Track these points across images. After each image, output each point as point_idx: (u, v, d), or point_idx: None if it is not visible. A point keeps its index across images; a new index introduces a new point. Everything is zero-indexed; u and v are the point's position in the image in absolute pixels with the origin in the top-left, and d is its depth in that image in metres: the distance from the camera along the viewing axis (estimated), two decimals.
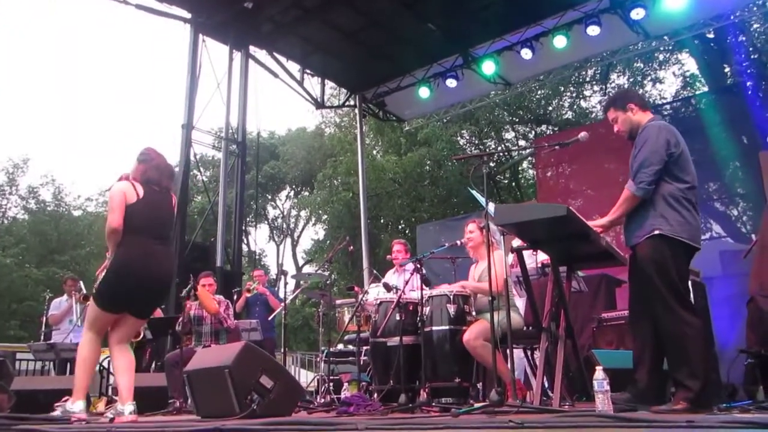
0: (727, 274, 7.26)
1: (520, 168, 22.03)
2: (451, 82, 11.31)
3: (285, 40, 11.16)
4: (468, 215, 13.29)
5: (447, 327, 4.27)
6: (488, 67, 10.95)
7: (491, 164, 21.93)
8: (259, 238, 27.33)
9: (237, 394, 3.40)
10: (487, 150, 20.87)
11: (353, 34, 10.64)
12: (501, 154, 19.59)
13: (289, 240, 28.75)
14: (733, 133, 11.74)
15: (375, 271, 5.20)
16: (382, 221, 20.96)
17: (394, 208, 20.88)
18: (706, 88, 17.72)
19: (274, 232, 28.26)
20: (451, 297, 4.32)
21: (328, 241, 21.62)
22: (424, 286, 4.42)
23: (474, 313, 4.37)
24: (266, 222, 26.73)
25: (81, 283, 8.00)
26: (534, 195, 19.87)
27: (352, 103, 13.23)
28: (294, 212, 28.81)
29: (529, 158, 21.65)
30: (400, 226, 22.00)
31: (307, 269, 28.77)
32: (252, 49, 11.19)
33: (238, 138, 10.70)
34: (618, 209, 3.41)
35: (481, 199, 3.82)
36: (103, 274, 3.94)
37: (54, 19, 54.16)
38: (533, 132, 21.31)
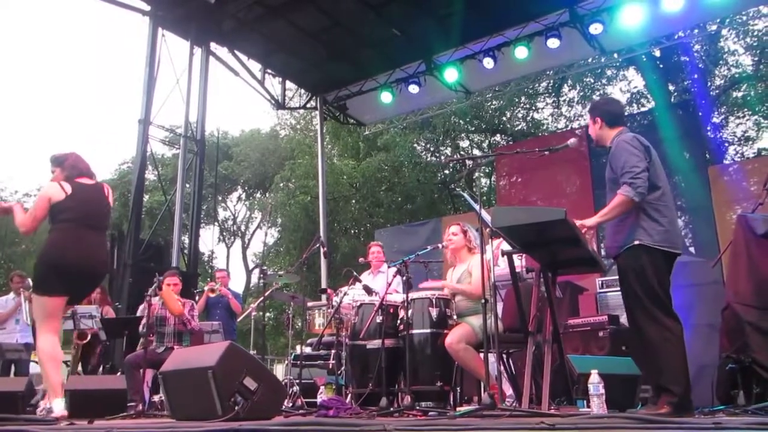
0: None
1: (473, 177, 22.32)
2: (413, 88, 11.34)
3: (247, 38, 10.95)
4: (425, 221, 13.39)
5: (428, 330, 4.24)
6: (451, 75, 11.02)
7: (445, 171, 22.34)
8: (208, 239, 26.69)
9: (220, 396, 3.27)
10: (456, 155, 21.16)
11: (316, 35, 10.53)
12: (481, 159, 19.71)
13: (239, 242, 28.28)
14: (678, 149, 12.25)
15: (355, 273, 5.12)
16: (337, 226, 20.86)
17: (351, 212, 20.82)
18: (651, 105, 18.42)
19: (224, 233, 27.70)
20: (433, 300, 4.30)
21: (283, 245, 21.36)
22: (400, 290, 4.39)
23: (455, 317, 4.36)
24: (216, 223, 26.17)
25: (29, 280, 7.60)
26: (487, 203, 20.20)
27: (312, 104, 13.10)
28: (247, 214, 28.38)
29: (483, 167, 22.04)
30: (353, 231, 21.95)
31: (256, 272, 28.37)
32: (213, 46, 10.96)
33: (197, 136, 10.44)
34: (610, 212, 3.47)
35: (473, 202, 3.82)
36: (35, 262, 4.13)
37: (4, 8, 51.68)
38: (488, 141, 21.63)
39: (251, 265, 27.23)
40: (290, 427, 1.86)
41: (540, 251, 3.61)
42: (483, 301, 3.60)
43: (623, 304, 3.56)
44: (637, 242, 3.39)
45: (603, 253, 6.03)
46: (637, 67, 18.59)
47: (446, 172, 21.99)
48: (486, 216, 3.69)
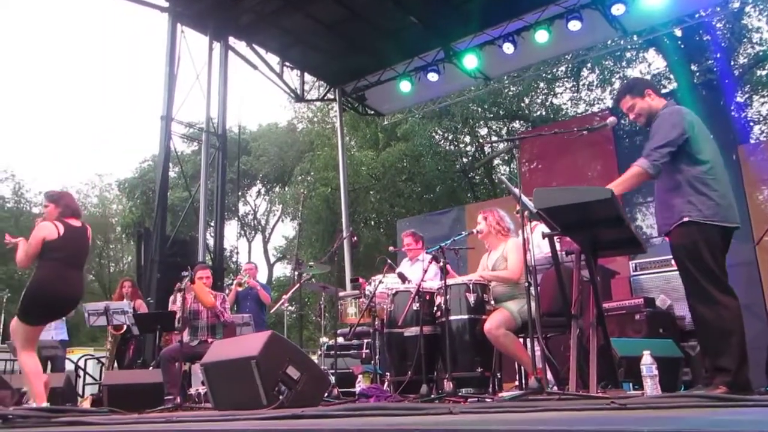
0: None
1: (492, 164, 22.20)
2: (432, 76, 11.26)
3: (265, 31, 10.96)
4: (448, 210, 13.32)
5: (466, 316, 4.21)
6: (470, 61, 10.90)
7: (464, 160, 22.22)
8: (229, 234, 26.90)
9: (264, 386, 3.27)
10: (469, 143, 21.04)
11: (334, 26, 10.49)
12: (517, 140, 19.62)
13: (260, 237, 28.44)
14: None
15: (389, 261, 5.09)
16: (358, 217, 20.85)
17: (371, 203, 20.78)
18: (673, 86, 18.14)
19: (245, 228, 27.86)
20: (470, 286, 4.26)
21: (304, 237, 21.43)
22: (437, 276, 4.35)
23: (493, 302, 4.32)
24: (237, 218, 26.32)
25: None
26: (507, 191, 20.04)
27: (331, 96, 13.07)
28: (266, 207, 28.54)
29: (503, 155, 21.87)
30: (372, 222, 21.93)
31: (279, 265, 28.57)
32: (231, 40, 10.97)
33: (218, 131, 10.47)
34: (622, 183, 3.40)
35: (512, 187, 3.76)
36: (23, 294, 4.58)
37: (20, 7, 52.21)
38: (506, 128, 21.47)
39: (272, 259, 27.48)
40: (355, 411, 1.84)
41: (581, 233, 3.54)
42: (526, 284, 3.55)
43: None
44: (686, 218, 3.30)
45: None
46: (658, 48, 18.28)
47: (465, 160, 21.88)
48: (525, 200, 3.63)
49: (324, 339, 7.68)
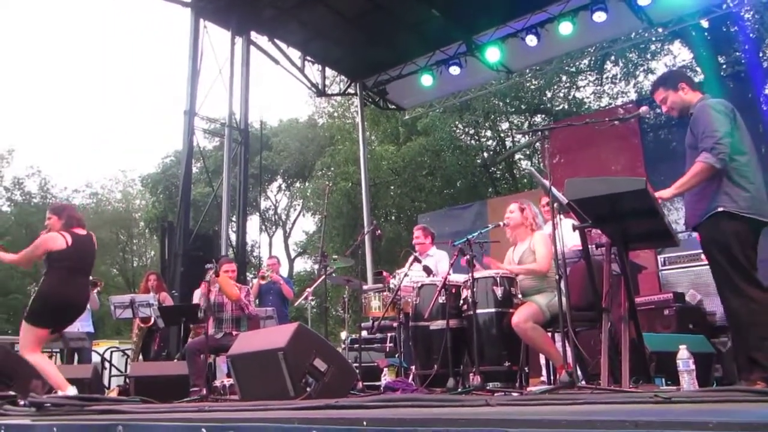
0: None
1: (513, 159, 22.05)
2: (454, 70, 11.17)
3: (286, 26, 10.97)
4: (469, 205, 13.25)
5: (493, 309, 4.16)
6: (492, 54, 10.79)
7: (485, 155, 22.08)
8: (249, 229, 27.08)
9: (292, 377, 3.26)
10: (485, 138, 20.90)
11: (355, 20, 10.45)
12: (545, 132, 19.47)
13: (280, 231, 28.59)
14: None
15: (415, 254, 5.06)
16: (378, 211, 20.85)
17: (392, 197, 20.75)
18: (699, 78, 17.81)
19: (266, 223, 28.00)
20: (497, 279, 4.21)
21: (319, 233, 21.54)
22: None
23: (520, 296, 4.26)
24: (258, 213, 26.48)
25: None
26: (529, 185, 19.88)
27: (352, 90, 13.05)
28: (286, 202, 28.68)
29: (524, 149, 21.70)
30: (393, 216, 21.90)
31: (300, 260, 28.69)
32: (253, 35, 10.98)
33: (241, 126, 10.51)
34: (689, 182, 3.32)
35: (542, 179, 3.70)
36: (32, 299, 4.89)
37: (42, 4, 52.89)
38: (528, 122, 21.27)
39: (293, 254, 27.59)
40: (390, 402, 1.81)
41: (613, 225, 3.47)
42: (557, 277, 3.49)
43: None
44: (720, 209, 3.23)
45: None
46: (684, 39, 17.97)
47: (485, 155, 21.74)
48: (555, 192, 3.57)
49: (344, 333, 7.68)
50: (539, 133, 3.68)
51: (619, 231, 3.53)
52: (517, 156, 22.22)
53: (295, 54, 11.78)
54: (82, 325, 7.56)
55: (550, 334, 4.15)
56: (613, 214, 3.33)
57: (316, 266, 25.93)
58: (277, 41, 11.32)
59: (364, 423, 1.31)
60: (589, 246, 3.98)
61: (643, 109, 3.72)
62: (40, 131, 50.13)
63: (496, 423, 1.26)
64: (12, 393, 3.37)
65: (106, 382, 8.26)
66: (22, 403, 3.13)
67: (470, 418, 1.35)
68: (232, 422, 1.48)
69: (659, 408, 1.54)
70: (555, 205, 3.60)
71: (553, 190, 3.55)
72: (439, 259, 5.48)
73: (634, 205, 3.17)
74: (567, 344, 3.38)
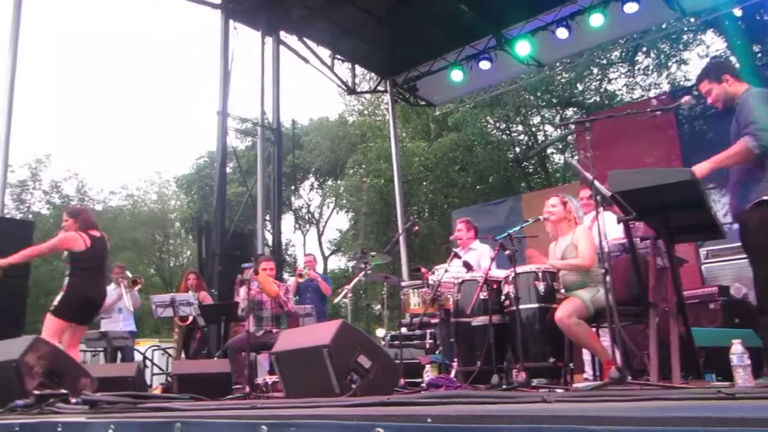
0: None
1: (546, 153, 21.82)
2: (484, 65, 11.10)
3: (315, 24, 11.03)
4: (503, 200, 13.12)
5: (536, 305, 4.12)
6: (523, 48, 10.69)
7: (517, 150, 21.90)
8: (284, 227, 27.31)
9: (337, 374, 3.26)
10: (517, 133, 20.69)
11: (384, 17, 10.44)
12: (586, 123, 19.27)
13: (314, 230, 28.77)
14: None
15: (455, 249, 5.04)
16: (411, 208, 20.86)
17: (425, 194, 20.73)
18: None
19: (299, 222, 28.20)
20: (539, 274, 4.17)
21: (352, 230, 21.66)
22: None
23: (563, 291, 4.21)
24: (291, 212, 26.68)
25: (127, 271, 7.95)
26: (562, 179, 19.65)
27: (382, 88, 13.05)
28: (319, 201, 28.83)
29: (556, 143, 21.45)
30: (426, 213, 21.85)
31: (334, 258, 28.83)
32: (282, 35, 11.06)
33: (273, 125, 10.59)
34: (726, 159, 3.28)
35: (584, 171, 3.65)
36: (61, 295, 5.30)
37: (76, 9, 53.99)
38: (559, 116, 21.03)
39: (327, 252, 27.75)
40: (443, 399, 1.81)
41: (658, 217, 3.41)
42: (602, 271, 3.44)
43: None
44: (765, 197, 3.18)
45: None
46: (717, 29, 17.56)
47: (517, 150, 21.55)
48: (598, 184, 3.52)
49: (380, 331, 7.68)
50: (582, 124, 3.62)
51: (664, 223, 3.46)
52: (549, 150, 21.99)
53: (324, 53, 11.84)
54: (125, 324, 7.73)
55: (594, 329, 4.09)
56: (659, 206, 3.27)
57: (350, 264, 26.14)
58: (306, 40, 11.38)
59: (429, 420, 1.30)
60: (636, 239, 3.92)
61: (686, 98, 3.62)
62: (76, 135, 51.20)
63: (572, 420, 1.24)
64: (63, 391, 3.42)
65: (148, 380, 8.41)
66: (73, 401, 3.19)
67: (535, 415, 1.33)
68: (293, 419, 1.48)
69: (726, 404, 1.50)
70: (598, 197, 3.54)
71: (596, 182, 3.50)
72: (482, 254, 5.44)
73: (681, 197, 3.11)
74: (614, 340, 3.32)
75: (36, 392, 3.33)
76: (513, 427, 1.32)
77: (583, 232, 4.28)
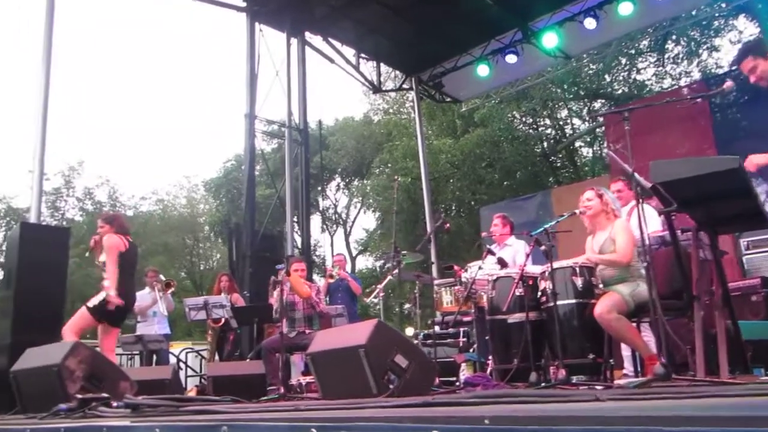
0: None
1: (574, 146, 21.54)
2: (511, 58, 10.98)
3: (339, 23, 11.03)
4: (532, 195, 12.98)
5: (574, 301, 4.03)
6: (550, 40, 10.54)
7: (544, 144, 21.64)
8: (311, 228, 27.36)
9: (374, 374, 3.24)
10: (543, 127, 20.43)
11: (408, 14, 10.38)
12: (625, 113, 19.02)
13: (341, 230, 28.86)
14: None
15: (489, 246, 4.99)
16: (437, 206, 20.79)
17: (452, 191, 20.63)
18: None
19: (327, 222, 28.30)
20: (577, 269, 4.08)
21: (386, 228, 21.64)
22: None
23: (601, 286, 4.12)
24: (318, 213, 26.81)
25: (161, 275, 8.05)
26: (591, 173, 19.39)
27: (408, 85, 13.00)
28: (345, 201, 28.91)
29: (584, 136, 21.16)
30: (454, 210, 21.75)
31: (362, 258, 28.89)
32: (307, 35, 11.08)
33: (300, 126, 10.62)
34: None
35: (622, 162, 3.57)
36: (102, 296, 5.31)
37: (105, 17, 54.90)
38: (587, 108, 20.74)
39: (354, 252, 27.80)
40: (489, 398, 1.77)
41: (701, 208, 3.31)
42: (644, 265, 3.35)
43: None
44: None
45: None
46: (749, 13, 17.10)
47: (545, 144, 21.31)
48: (638, 176, 3.43)
49: (410, 330, 7.64)
50: (619, 114, 3.53)
51: (707, 214, 3.36)
52: (577, 143, 21.70)
53: (349, 52, 11.84)
54: (159, 327, 7.82)
55: (634, 324, 4.00)
56: (702, 197, 3.17)
57: (378, 264, 26.14)
58: (331, 40, 11.39)
59: (486, 421, 1.27)
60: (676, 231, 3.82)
61: (728, 84, 3.48)
62: (107, 141, 52.12)
63: (631, 420, 1.20)
64: (105, 395, 3.45)
65: (183, 383, 8.50)
66: (115, 404, 3.21)
67: (595, 415, 1.29)
68: (343, 421, 1.46)
69: None
70: (638, 189, 3.45)
71: (636, 174, 3.41)
72: (517, 249, 5.37)
73: (726, 186, 3.01)
74: (658, 335, 3.23)
75: (78, 396, 3.37)
76: (572, 429, 1.28)
77: (622, 226, 4.19)
